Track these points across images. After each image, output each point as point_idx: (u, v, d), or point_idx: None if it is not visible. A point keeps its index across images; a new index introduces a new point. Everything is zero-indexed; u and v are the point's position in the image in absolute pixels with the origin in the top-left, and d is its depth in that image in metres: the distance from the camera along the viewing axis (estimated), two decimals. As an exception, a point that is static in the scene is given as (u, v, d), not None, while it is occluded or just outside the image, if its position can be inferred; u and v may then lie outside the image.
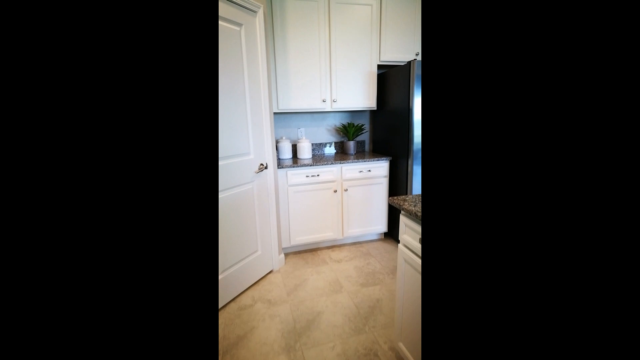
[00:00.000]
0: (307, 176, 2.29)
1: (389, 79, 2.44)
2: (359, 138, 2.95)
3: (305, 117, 2.75)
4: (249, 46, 1.74)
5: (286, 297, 1.86)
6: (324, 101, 2.44)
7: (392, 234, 2.66)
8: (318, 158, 2.50)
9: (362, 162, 2.40)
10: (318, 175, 2.32)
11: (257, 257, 1.99)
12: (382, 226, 2.60)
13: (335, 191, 2.38)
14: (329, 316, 1.67)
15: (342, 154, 2.75)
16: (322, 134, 2.83)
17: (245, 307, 1.76)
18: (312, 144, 2.79)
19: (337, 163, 2.33)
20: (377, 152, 2.78)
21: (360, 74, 2.49)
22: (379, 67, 2.65)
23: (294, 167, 2.24)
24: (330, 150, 2.85)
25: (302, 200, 2.33)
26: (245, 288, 1.92)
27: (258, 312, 1.72)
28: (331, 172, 2.35)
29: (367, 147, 2.99)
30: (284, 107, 2.36)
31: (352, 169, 2.40)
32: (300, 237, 2.40)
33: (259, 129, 1.89)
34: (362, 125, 2.68)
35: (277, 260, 2.18)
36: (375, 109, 2.62)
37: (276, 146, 2.60)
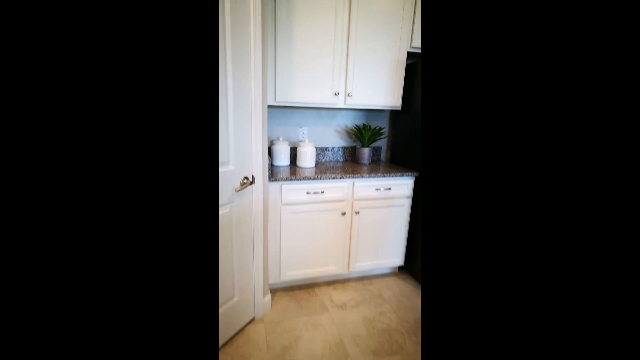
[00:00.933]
0: (308, 192, 1.72)
1: (420, 71, 1.87)
2: (375, 144, 2.38)
3: (310, 114, 2.17)
4: (236, 11, 1.16)
5: (269, 370, 1.30)
6: (336, 94, 1.87)
7: (408, 267, 2.11)
8: (323, 167, 1.93)
9: (382, 177, 1.83)
10: (322, 192, 1.75)
11: (232, 305, 1.42)
12: (399, 259, 2.05)
13: (344, 214, 1.82)
14: (330, 419, 1.11)
15: (352, 162, 2.18)
16: (329, 136, 2.25)
17: (207, 391, 1.20)
18: (317, 148, 2.22)
19: (348, 177, 1.76)
20: (395, 163, 2.22)
21: (385, 62, 1.92)
22: (409, 55, 2.08)
23: (291, 180, 1.67)
24: (337, 156, 2.28)
25: (299, 225, 1.77)
26: (211, 351, 1.36)
27: (225, 400, 1.16)
28: (340, 188, 1.78)
29: (382, 155, 2.43)
30: (283, 99, 1.79)
31: (367, 186, 1.84)
32: (294, 272, 1.83)
33: (244, 127, 1.31)
34: (382, 128, 2.11)
35: (260, 304, 1.62)
36: (400, 108, 2.05)
37: (270, 149, 2.02)
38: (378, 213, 1.90)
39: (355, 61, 1.86)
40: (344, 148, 2.29)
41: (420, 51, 1.98)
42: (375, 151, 2.38)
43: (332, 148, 2.26)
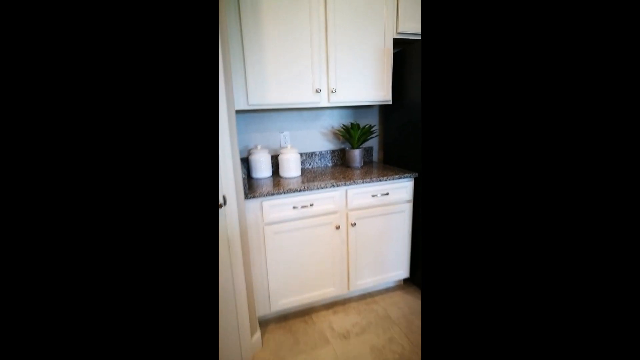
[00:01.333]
0: (294, 207, 1.48)
1: (410, 59, 1.66)
2: (365, 144, 2.16)
3: (291, 116, 1.93)
4: None
5: None
6: (317, 92, 1.64)
7: (414, 278, 1.88)
8: (311, 175, 1.69)
9: (377, 181, 1.60)
10: (311, 204, 1.51)
11: (211, 355, 1.16)
12: (403, 271, 1.83)
13: (338, 227, 1.58)
14: None
15: (343, 167, 1.95)
16: (314, 140, 2.02)
17: None
18: (302, 155, 1.98)
19: (339, 185, 1.53)
20: (390, 163, 1.99)
21: (370, 52, 1.70)
22: (396, 43, 1.87)
23: (273, 195, 1.42)
24: (325, 161, 2.05)
25: (288, 245, 1.52)
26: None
27: None
28: (331, 198, 1.55)
29: (375, 155, 2.20)
30: (257, 101, 1.54)
31: (362, 193, 1.60)
32: (286, 300, 1.58)
33: (207, 137, 1.06)
34: (372, 126, 1.89)
35: (248, 345, 1.36)
36: (390, 102, 1.83)
37: (247, 160, 1.78)
38: (377, 222, 1.67)
39: (336, 53, 1.63)
40: (333, 151, 2.06)
41: (408, 37, 1.77)
42: (367, 152, 2.15)
43: (320, 152, 2.02)
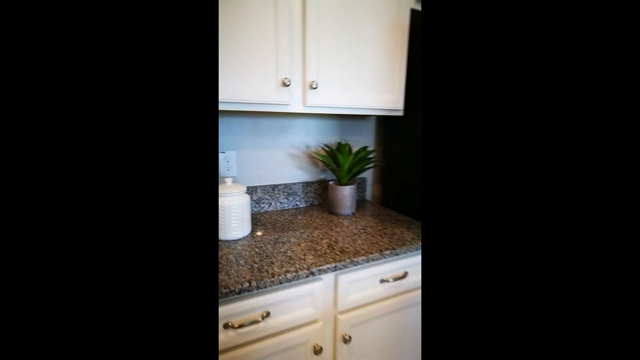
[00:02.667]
0: (229, 326, 0.69)
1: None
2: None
3: (239, 126, 1.15)
4: None
5: None
6: (285, 85, 0.88)
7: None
8: (269, 231, 0.92)
9: (393, 257, 0.88)
10: (267, 315, 0.73)
11: None
12: (421, 391, 1.11)
13: (319, 350, 0.82)
14: None
15: (323, 212, 1.20)
16: (278, 165, 1.25)
17: None
18: (255, 190, 1.20)
19: (324, 271, 0.77)
20: (392, 206, 1.28)
21: (373, 27, 0.99)
22: (414, 17, 1.18)
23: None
24: (296, 200, 1.28)
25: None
26: None
27: None
28: (309, 296, 0.78)
29: (368, 191, 1.49)
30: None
31: (364, 279, 0.87)
32: None
33: None
34: (370, 151, 1.17)
35: None
36: (401, 112, 1.14)
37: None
38: (385, 324, 0.94)
39: (320, 29, 0.90)
40: (307, 185, 1.30)
41: (435, 9, 1.09)
42: (358, 186, 1.43)
43: (286, 186, 1.25)
